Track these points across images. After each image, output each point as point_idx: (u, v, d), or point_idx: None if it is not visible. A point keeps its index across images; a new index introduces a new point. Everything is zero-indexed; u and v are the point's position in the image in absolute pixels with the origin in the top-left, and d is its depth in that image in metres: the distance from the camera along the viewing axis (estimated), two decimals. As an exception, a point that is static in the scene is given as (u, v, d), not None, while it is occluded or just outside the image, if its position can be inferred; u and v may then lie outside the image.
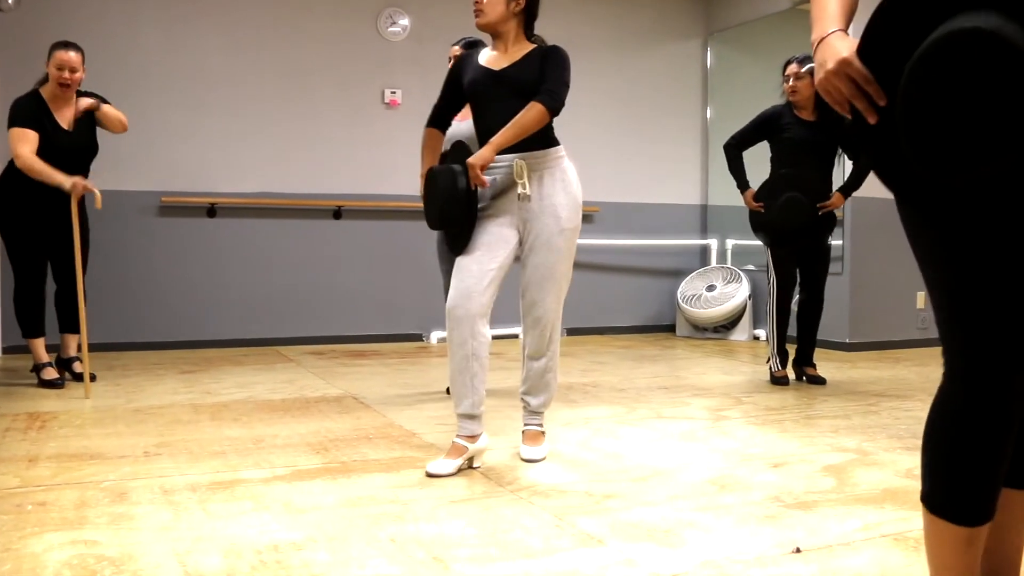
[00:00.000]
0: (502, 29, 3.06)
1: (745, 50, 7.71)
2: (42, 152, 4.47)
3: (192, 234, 6.39)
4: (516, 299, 3.20)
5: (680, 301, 7.46)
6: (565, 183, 3.07)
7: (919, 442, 3.44)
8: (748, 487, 2.83)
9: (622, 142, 7.63)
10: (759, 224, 4.85)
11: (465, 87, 3.11)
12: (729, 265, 7.55)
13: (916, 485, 2.86)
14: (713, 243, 7.83)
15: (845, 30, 1.39)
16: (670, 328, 7.76)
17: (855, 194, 4.85)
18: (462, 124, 4.17)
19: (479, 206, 3.06)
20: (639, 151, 7.72)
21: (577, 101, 7.67)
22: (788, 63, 4.84)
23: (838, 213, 4.85)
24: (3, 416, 3.89)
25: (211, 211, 6.42)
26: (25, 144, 4.41)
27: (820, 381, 4.94)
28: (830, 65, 1.35)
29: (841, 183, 4.82)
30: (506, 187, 3.04)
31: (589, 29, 7.35)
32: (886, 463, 3.15)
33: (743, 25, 7.57)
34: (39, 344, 4.69)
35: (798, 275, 4.91)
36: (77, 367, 4.82)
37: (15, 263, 4.66)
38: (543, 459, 3.15)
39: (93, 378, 4.77)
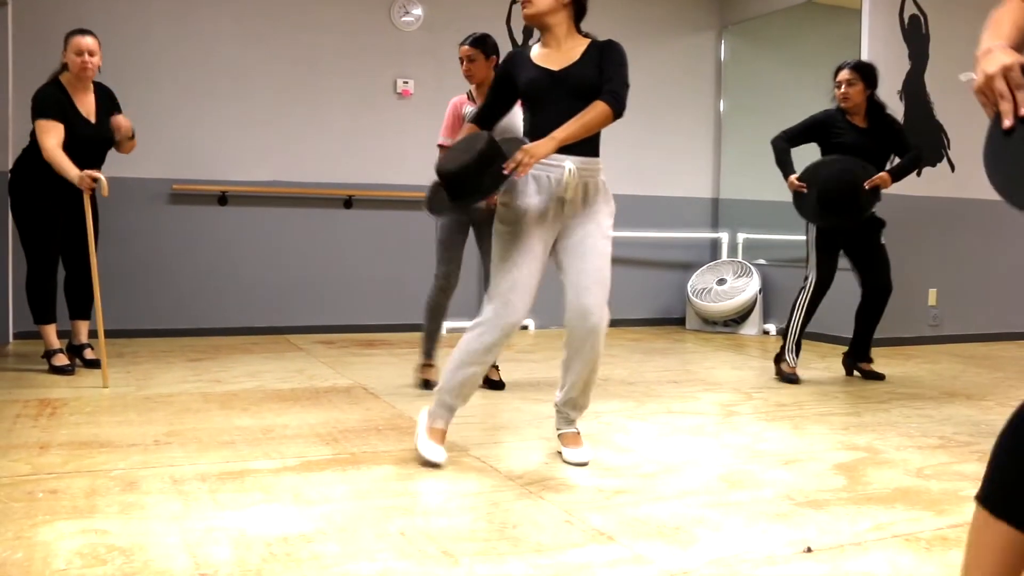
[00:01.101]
0: (550, 21, 2.96)
1: (760, 43, 7.67)
2: (68, 143, 4.51)
3: (203, 222, 6.39)
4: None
5: (690, 294, 7.44)
6: (606, 193, 3.04)
7: (930, 441, 3.45)
8: (759, 484, 2.82)
9: (634, 134, 7.59)
10: (802, 202, 4.75)
11: (522, 87, 3.00)
12: (740, 259, 7.53)
13: (926, 485, 2.85)
14: (724, 237, 7.81)
15: (1013, 48, 1.45)
16: (680, 321, 7.74)
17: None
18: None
19: (527, 201, 2.93)
20: (651, 143, 7.69)
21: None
22: (839, 69, 4.76)
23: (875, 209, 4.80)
24: (15, 402, 3.90)
25: (222, 199, 6.42)
26: (52, 136, 4.45)
27: (878, 376, 4.96)
28: (992, 68, 1.40)
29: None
30: (554, 189, 2.93)
31: (602, 20, 7.28)
32: (897, 462, 3.14)
33: (758, 18, 7.53)
34: (50, 330, 4.71)
35: (858, 276, 4.96)
36: (88, 354, 4.86)
37: (29, 249, 4.66)
38: (588, 462, 3.07)
39: (97, 364, 4.79)
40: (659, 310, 7.78)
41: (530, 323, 7.14)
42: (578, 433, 3.16)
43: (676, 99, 7.79)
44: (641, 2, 7.58)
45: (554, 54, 2.99)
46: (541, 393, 4.35)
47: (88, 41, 4.55)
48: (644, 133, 7.64)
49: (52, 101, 4.52)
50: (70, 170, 4.43)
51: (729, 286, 7.26)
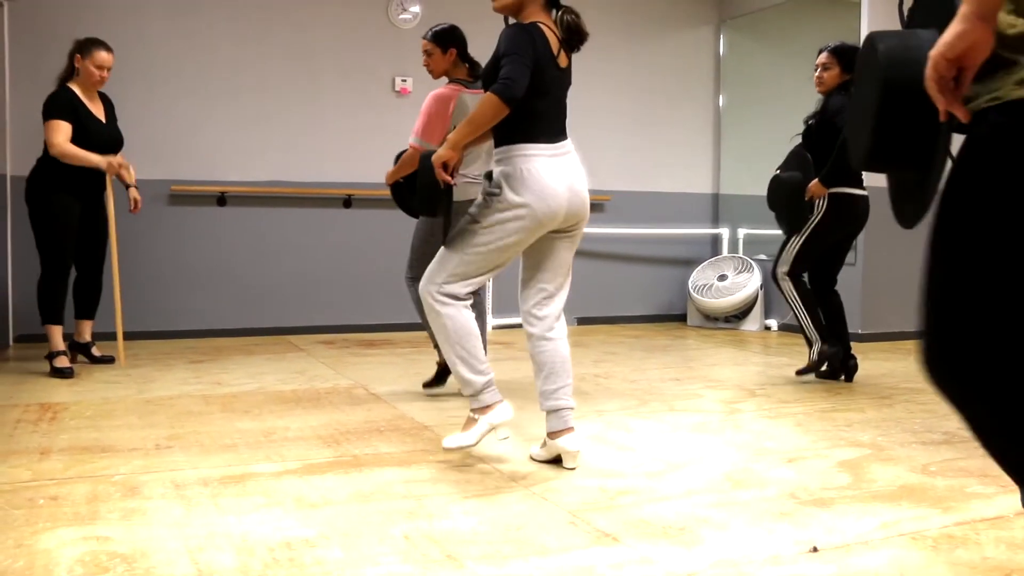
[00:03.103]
0: (522, 13, 2.93)
1: (758, 38, 7.65)
2: (83, 143, 4.67)
3: (202, 223, 6.37)
4: (512, 288, 3.15)
5: (691, 291, 7.42)
6: (498, 181, 2.90)
7: (934, 436, 3.43)
8: (763, 483, 2.81)
9: (633, 130, 7.58)
10: None
11: None
12: (741, 254, 7.51)
13: (932, 482, 2.83)
14: (725, 232, 7.79)
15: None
16: (681, 318, 7.72)
17: (870, 184, 4.74)
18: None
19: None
20: (650, 139, 7.67)
21: (588, 88, 7.65)
22: (819, 52, 4.59)
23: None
24: (15, 407, 3.88)
25: (221, 200, 6.40)
26: (60, 134, 4.60)
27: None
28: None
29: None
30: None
31: (600, 15, 7.28)
32: (901, 459, 3.12)
33: (756, 12, 7.50)
34: (57, 331, 4.77)
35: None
36: (95, 351, 5.03)
37: (46, 252, 4.73)
38: (462, 446, 2.95)
39: (112, 360, 5.04)
40: (660, 306, 7.76)
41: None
42: (468, 415, 3.01)
43: (675, 94, 7.76)
44: (639, -3, 7.56)
45: None
46: (543, 392, 4.32)
47: (111, 57, 4.76)
48: (643, 129, 7.62)
49: (65, 103, 4.67)
50: (90, 156, 4.65)
51: (730, 282, 7.24)
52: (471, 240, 2.90)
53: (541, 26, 2.89)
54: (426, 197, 3.07)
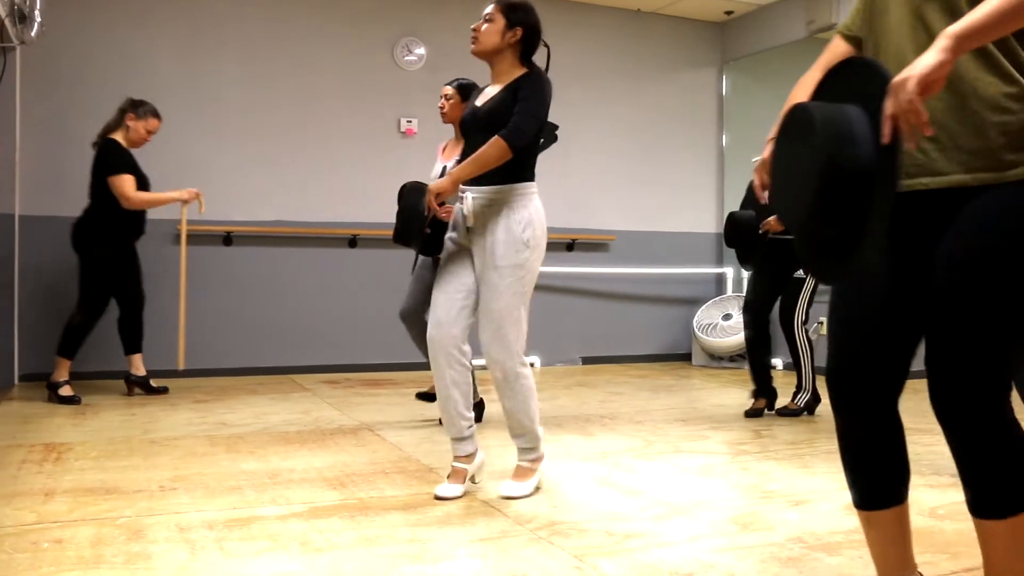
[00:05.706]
0: (495, 60, 3.10)
1: (761, 78, 7.72)
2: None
3: (208, 262, 6.40)
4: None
5: (696, 330, 7.42)
6: (509, 220, 3.00)
7: (942, 479, 3.41)
8: (770, 526, 2.79)
9: (637, 170, 7.62)
10: None
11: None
12: (745, 294, 7.50)
13: (940, 526, 2.81)
14: (729, 271, 7.80)
15: None
16: (686, 357, 7.72)
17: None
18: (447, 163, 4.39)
19: (449, 235, 3.17)
20: (654, 179, 7.71)
21: (592, 130, 7.72)
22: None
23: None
24: (20, 447, 3.88)
25: (227, 239, 6.43)
26: (129, 186, 5.04)
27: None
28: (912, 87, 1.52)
29: None
30: (461, 221, 3.11)
31: (604, 57, 7.36)
32: (909, 501, 3.09)
33: (759, 53, 7.58)
34: (67, 364, 5.07)
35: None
36: (153, 383, 5.39)
37: (94, 295, 5.08)
38: (522, 496, 3.10)
39: (166, 390, 5.40)
40: (665, 346, 7.76)
41: (536, 360, 7.12)
42: (520, 466, 3.18)
43: (679, 134, 7.82)
44: (643, 38, 7.64)
45: (491, 89, 3.14)
46: (547, 433, 4.32)
47: (160, 125, 5.23)
48: (647, 169, 7.67)
49: (128, 158, 5.09)
50: (168, 194, 5.22)
51: (735, 321, 7.24)
52: (516, 292, 3.02)
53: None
54: (407, 225, 3.23)
